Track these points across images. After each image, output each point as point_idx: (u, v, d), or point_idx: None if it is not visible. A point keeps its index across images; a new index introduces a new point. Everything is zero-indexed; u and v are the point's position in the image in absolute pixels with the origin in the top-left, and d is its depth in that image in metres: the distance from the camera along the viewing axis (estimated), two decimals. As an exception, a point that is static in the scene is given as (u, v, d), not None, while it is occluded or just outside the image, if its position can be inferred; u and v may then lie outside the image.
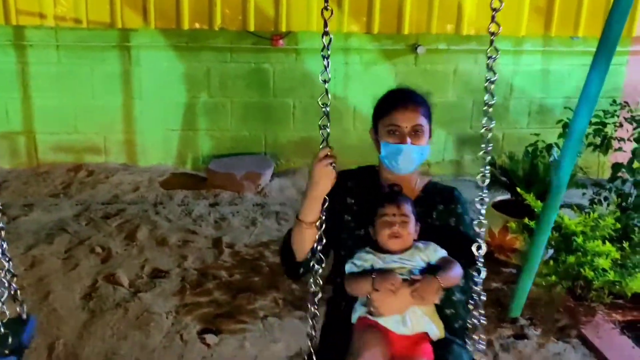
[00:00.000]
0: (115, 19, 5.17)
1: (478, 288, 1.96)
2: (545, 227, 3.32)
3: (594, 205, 3.96)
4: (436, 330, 1.94)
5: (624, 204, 3.84)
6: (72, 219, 4.74)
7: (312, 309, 2.06)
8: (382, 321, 1.91)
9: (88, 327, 3.38)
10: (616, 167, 3.87)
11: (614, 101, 4.16)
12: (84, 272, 3.95)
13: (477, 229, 1.94)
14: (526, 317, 3.57)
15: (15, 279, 2.18)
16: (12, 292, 2.17)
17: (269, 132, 5.90)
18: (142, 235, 4.49)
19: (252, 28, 5.31)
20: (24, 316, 2.21)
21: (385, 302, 1.89)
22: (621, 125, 4.03)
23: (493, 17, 1.81)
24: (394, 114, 2.06)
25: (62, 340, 3.25)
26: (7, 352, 2.01)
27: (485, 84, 1.86)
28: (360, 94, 5.62)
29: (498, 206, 4.34)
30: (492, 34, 1.82)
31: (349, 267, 2.00)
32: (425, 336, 1.93)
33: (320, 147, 1.94)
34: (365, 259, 1.98)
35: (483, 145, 1.89)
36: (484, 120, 1.88)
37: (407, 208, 1.99)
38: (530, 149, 4.47)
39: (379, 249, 1.99)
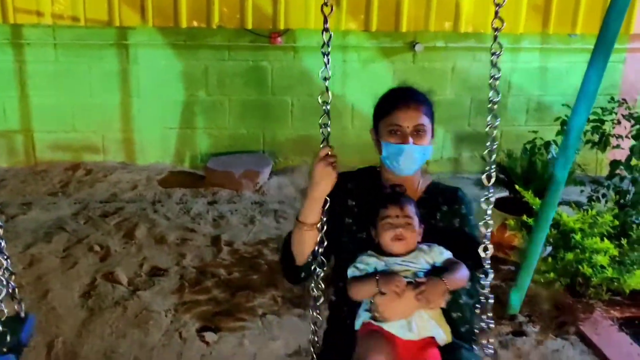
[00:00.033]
0: (113, 17, 5.16)
1: (485, 290, 1.92)
2: (544, 224, 3.33)
3: (592, 203, 3.96)
4: (443, 335, 1.89)
5: (622, 201, 3.85)
6: (70, 217, 4.73)
7: (314, 313, 2.01)
8: (387, 326, 1.85)
9: (87, 326, 3.38)
10: (614, 164, 3.87)
11: (612, 98, 4.16)
12: (82, 270, 3.95)
13: (483, 230, 1.89)
14: (525, 314, 3.58)
15: (13, 277, 2.18)
16: (10, 291, 2.16)
17: (267, 130, 5.89)
18: (141, 233, 4.49)
19: (250, 26, 5.31)
20: (23, 314, 2.21)
21: (390, 307, 1.84)
22: (619, 123, 4.03)
23: (496, 13, 1.77)
24: (395, 114, 2.01)
25: (61, 338, 3.25)
26: (5, 350, 2.01)
27: (490, 81, 1.82)
28: (358, 92, 5.62)
29: (496, 204, 4.34)
30: (496, 29, 1.78)
31: (351, 272, 1.94)
32: (432, 341, 1.87)
33: (321, 146, 1.91)
34: (368, 263, 1.92)
35: (488, 144, 1.84)
36: (489, 118, 1.83)
37: (411, 209, 1.94)
38: (528, 146, 4.48)
39: (382, 251, 1.94)
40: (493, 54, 1.80)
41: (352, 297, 1.92)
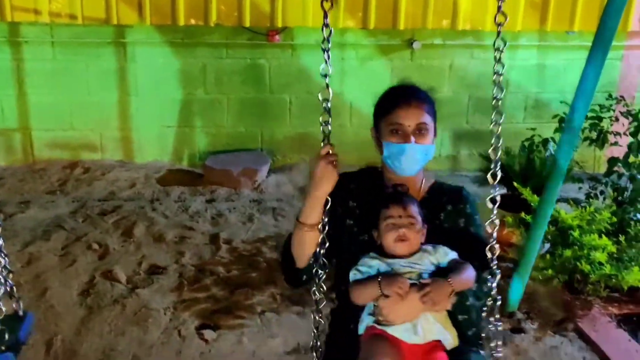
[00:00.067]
0: (110, 15, 5.16)
1: (493, 292, 1.85)
2: (542, 221, 3.33)
3: (590, 200, 3.97)
4: (450, 338, 1.83)
5: (620, 198, 3.86)
6: (68, 215, 4.73)
7: (317, 317, 1.95)
8: (391, 330, 1.80)
9: (86, 324, 3.38)
10: (612, 161, 3.88)
11: (610, 96, 4.17)
12: (81, 268, 3.95)
13: (489, 229, 1.82)
14: (523, 311, 3.58)
15: (11, 276, 2.17)
16: (9, 289, 2.16)
17: (265, 128, 5.89)
18: (139, 231, 4.49)
19: (247, 24, 5.30)
20: (21, 313, 2.21)
21: (394, 309, 1.78)
22: (617, 120, 4.04)
23: (499, 8, 1.73)
24: (396, 112, 1.95)
25: (60, 336, 3.25)
26: (3, 348, 2.01)
27: (494, 77, 1.77)
28: (356, 90, 5.61)
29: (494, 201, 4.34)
30: (499, 24, 1.73)
31: (353, 275, 1.88)
32: (438, 344, 1.81)
33: (322, 144, 1.87)
34: (370, 265, 1.87)
35: (493, 141, 1.80)
36: (493, 115, 1.79)
37: (414, 209, 1.88)
38: (526, 143, 4.49)
39: (385, 253, 1.88)
40: (497, 49, 1.75)
41: (354, 301, 1.87)
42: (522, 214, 3.68)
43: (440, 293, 1.76)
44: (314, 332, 1.96)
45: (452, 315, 1.87)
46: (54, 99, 5.62)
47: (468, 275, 1.82)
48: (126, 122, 5.78)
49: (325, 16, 1.80)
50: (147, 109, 5.74)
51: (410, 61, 5.78)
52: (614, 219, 3.55)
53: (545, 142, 4.34)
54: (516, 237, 4.00)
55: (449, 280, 1.77)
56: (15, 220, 4.61)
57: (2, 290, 2.11)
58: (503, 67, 1.77)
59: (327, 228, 1.90)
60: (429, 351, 1.79)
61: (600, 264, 3.39)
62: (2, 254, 2.14)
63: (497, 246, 1.82)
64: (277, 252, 4.00)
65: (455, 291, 1.78)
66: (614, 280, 3.44)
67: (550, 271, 3.53)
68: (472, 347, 1.99)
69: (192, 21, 5.25)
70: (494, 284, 1.85)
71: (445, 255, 1.86)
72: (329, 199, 1.88)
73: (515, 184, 3.97)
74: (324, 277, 1.92)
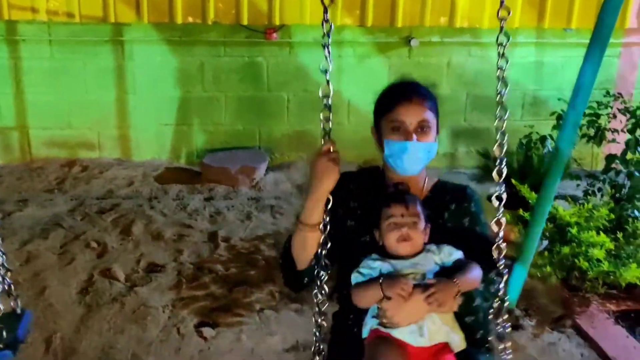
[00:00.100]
0: (108, 13, 5.16)
1: (501, 293, 1.77)
2: (540, 218, 3.33)
3: (588, 197, 3.98)
4: (457, 340, 1.77)
5: (617, 195, 3.86)
6: (66, 214, 4.73)
7: (320, 320, 1.85)
8: (397, 332, 1.74)
9: (85, 322, 3.38)
10: (610, 158, 3.88)
11: (608, 93, 4.17)
12: (79, 267, 3.95)
13: (495, 228, 1.75)
14: (521, 308, 3.58)
15: (9, 274, 2.17)
16: (7, 287, 2.16)
17: (263, 126, 5.89)
18: (138, 229, 4.49)
19: (245, 22, 5.31)
20: (19, 311, 2.21)
21: (399, 311, 1.72)
22: (615, 117, 4.05)
23: (502, 2, 1.68)
24: (397, 109, 1.89)
25: (59, 334, 3.25)
26: (1, 346, 2.01)
27: (497, 73, 1.71)
28: (354, 87, 5.60)
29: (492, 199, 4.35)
30: (502, 19, 1.68)
31: (355, 277, 1.82)
32: (446, 347, 1.75)
33: (322, 141, 1.81)
34: (372, 267, 1.80)
35: (498, 137, 1.73)
36: (498, 111, 1.71)
37: (416, 207, 1.82)
38: (524, 140, 4.50)
39: (387, 254, 1.82)
40: (499, 44, 1.69)
41: (356, 304, 1.82)
42: (520, 211, 3.69)
43: (446, 293, 1.71)
44: (316, 335, 1.87)
45: (459, 317, 1.82)
46: (52, 98, 5.61)
47: (474, 275, 1.77)
48: (124, 121, 5.77)
49: (325, 11, 1.77)
50: (145, 107, 5.73)
51: (408, 59, 5.78)
52: (612, 216, 3.56)
53: (543, 139, 4.35)
54: (514, 235, 4.00)
55: (455, 280, 1.72)
56: (13, 218, 4.61)
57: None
58: (507, 62, 1.71)
59: (328, 228, 1.83)
60: (436, 354, 1.74)
61: (598, 260, 3.40)
62: (0, 252, 2.14)
63: (503, 245, 1.75)
64: (277, 254, 4.01)
65: (461, 291, 1.73)
66: (611, 277, 3.45)
67: (548, 268, 3.53)
68: (480, 349, 1.94)
69: (190, 19, 5.26)
70: (502, 285, 1.77)
71: (450, 254, 1.81)
72: (331, 197, 1.81)
73: (513, 181, 3.98)
74: (326, 278, 1.84)
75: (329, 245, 1.83)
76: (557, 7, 5.41)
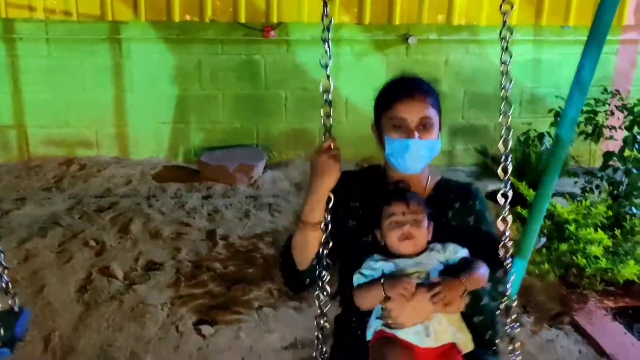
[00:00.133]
0: (105, 12, 5.15)
1: (508, 292, 1.73)
2: (538, 215, 3.32)
3: (586, 194, 3.98)
4: (465, 341, 1.73)
5: (615, 192, 3.87)
6: (65, 212, 4.72)
7: (322, 321, 1.80)
8: (401, 333, 1.69)
9: (83, 320, 3.38)
10: (607, 155, 3.89)
11: (605, 90, 4.17)
12: (78, 265, 3.95)
13: (501, 226, 1.71)
14: (519, 305, 3.59)
15: (6, 272, 2.17)
16: (4, 285, 2.16)
17: (261, 124, 5.89)
18: (136, 228, 4.49)
19: (243, 19, 5.30)
20: (17, 309, 2.20)
21: (404, 311, 1.67)
22: (612, 114, 4.05)
23: None
24: (398, 106, 1.84)
25: (57, 332, 3.26)
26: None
27: (502, 68, 1.66)
28: (351, 85, 5.59)
29: (490, 196, 4.35)
30: (504, 13, 1.64)
31: (356, 279, 1.78)
32: (453, 347, 1.71)
33: (323, 137, 1.78)
34: (375, 268, 1.76)
35: (503, 133, 1.69)
36: (502, 106, 1.67)
37: (417, 205, 1.78)
38: (522, 138, 4.50)
39: (390, 254, 1.78)
40: (502, 38, 1.65)
41: (359, 306, 1.77)
42: (518, 208, 3.69)
43: (452, 293, 1.66)
44: (318, 337, 1.82)
45: (467, 317, 1.77)
46: (49, 96, 5.61)
47: (481, 273, 1.72)
48: (121, 119, 5.77)
49: (325, 4, 1.74)
50: (143, 106, 5.73)
51: (406, 56, 5.79)
52: (610, 213, 3.56)
53: (540, 136, 4.35)
54: (513, 232, 4.01)
55: (461, 278, 1.68)
56: (11, 217, 4.61)
57: (-4, 287, 2.11)
58: (510, 56, 1.67)
59: (329, 227, 1.78)
60: (443, 354, 1.70)
61: (596, 257, 3.40)
62: (-3, 251, 2.14)
63: (510, 244, 1.71)
64: (276, 252, 4.01)
65: (467, 290, 1.69)
66: (609, 273, 3.45)
67: (546, 265, 3.53)
68: (488, 350, 1.91)
69: (187, 17, 5.25)
70: (509, 284, 1.73)
71: (455, 252, 1.77)
72: (332, 196, 1.76)
73: (511, 178, 3.98)
74: (328, 278, 1.78)
75: (330, 244, 1.78)
76: (555, 4, 5.41)
